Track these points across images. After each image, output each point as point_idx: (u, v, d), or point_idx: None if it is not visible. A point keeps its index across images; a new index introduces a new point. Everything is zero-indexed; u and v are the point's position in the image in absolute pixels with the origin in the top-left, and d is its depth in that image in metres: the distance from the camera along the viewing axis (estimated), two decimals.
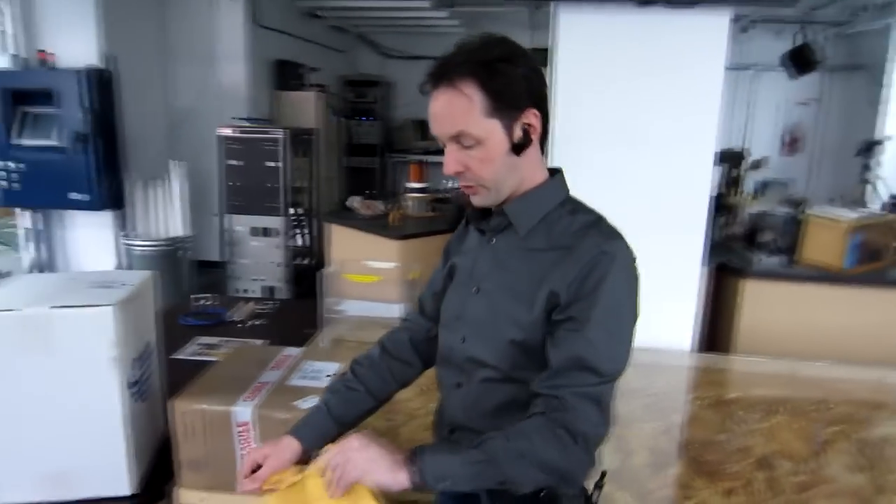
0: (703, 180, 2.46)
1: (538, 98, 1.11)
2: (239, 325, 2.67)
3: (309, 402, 1.45)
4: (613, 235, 1.10)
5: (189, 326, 2.64)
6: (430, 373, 1.34)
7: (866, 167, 4.08)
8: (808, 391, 2.32)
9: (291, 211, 5.68)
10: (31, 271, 5.37)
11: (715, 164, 3.62)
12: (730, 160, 3.55)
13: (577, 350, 1.02)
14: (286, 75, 6.87)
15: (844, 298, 2.93)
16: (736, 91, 8.74)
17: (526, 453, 0.98)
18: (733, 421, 2.06)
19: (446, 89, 1.07)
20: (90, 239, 5.54)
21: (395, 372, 1.36)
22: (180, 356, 2.29)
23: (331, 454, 1.03)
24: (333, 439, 1.21)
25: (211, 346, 2.36)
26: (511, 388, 1.13)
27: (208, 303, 2.92)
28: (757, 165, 8.15)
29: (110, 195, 5.08)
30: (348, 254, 3.81)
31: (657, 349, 2.29)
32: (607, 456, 1.75)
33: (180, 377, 1.62)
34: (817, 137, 8.70)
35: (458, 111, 1.06)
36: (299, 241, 5.82)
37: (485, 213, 1.20)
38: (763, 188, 4.32)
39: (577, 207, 1.16)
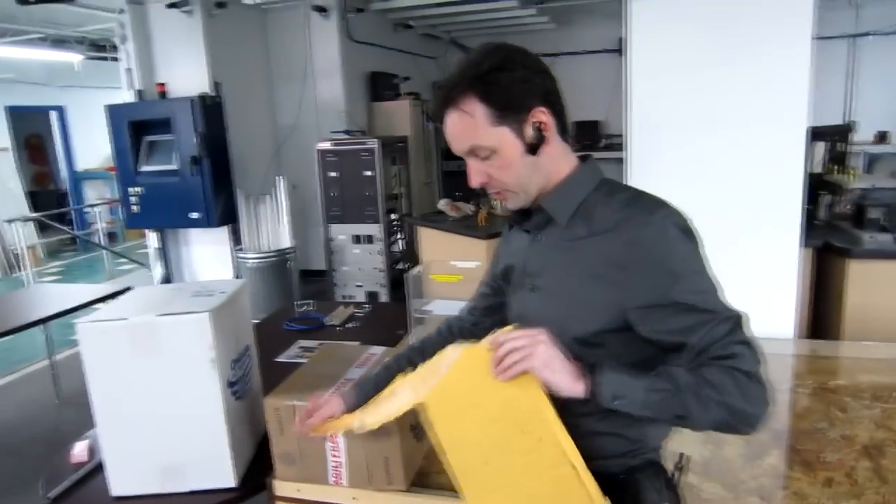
0: (796, 158, 2.34)
1: (545, 94, 1.12)
2: (337, 329, 2.80)
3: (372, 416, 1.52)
4: (655, 207, 1.09)
5: (292, 331, 2.81)
6: None
7: None
8: None
9: (393, 217, 5.87)
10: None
11: (812, 140, 3.45)
12: (834, 135, 3.33)
13: (700, 318, 1.02)
14: (380, 86, 7.09)
15: None
16: (854, 61, 8.16)
17: (711, 392, 0.98)
18: (837, 408, 1.94)
19: (451, 111, 1.11)
20: (209, 253, 5.97)
21: None
22: (282, 359, 2.45)
23: (516, 334, 1.05)
24: None
25: (309, 350, 2.50)
26: None
27: (309, 308, 3.08)
28: (883, 138, 7.56)
29: (224, 212, 5.46)
30: (438, 255, 3.90)
31: (758, 337, 2.20)
32: (697, 447, 1.73)
33: (280, 378, 1.74)
34: None
35: (465, 128, 1.10)
36: (398, 247, 5.99)
37: (526, 213, 1.23)
38: (872, 162, 3.99)
39: (613, 188, 1.16)
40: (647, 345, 1.08)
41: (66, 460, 1.84)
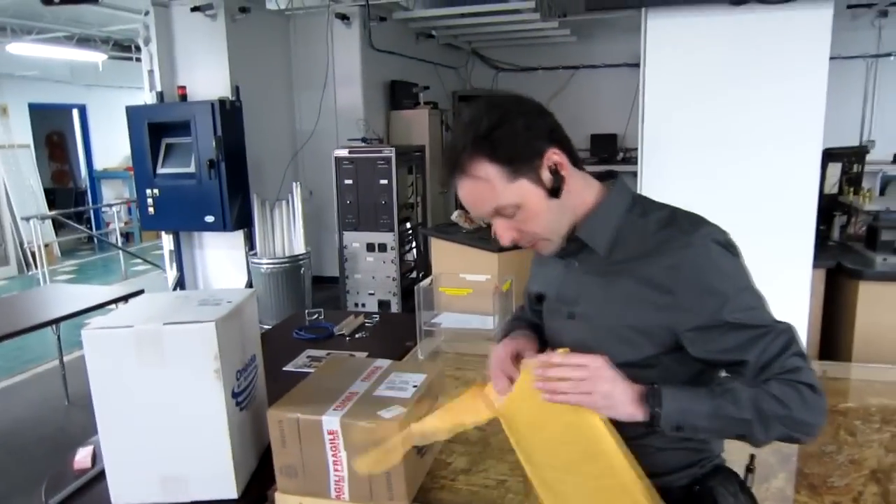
0: (810, 179, 2.31)
1: (550, 134, 1.10)
2: (346, 339, 2.78)
3: (392, 412, 1.49)
4: (693, 225, 1.08)
5: (301, 340, 2.79)
6: None
7: None
8: None
9: (408, 226, 5.86)
10: (174, 288, 5.87)
11: (827, 161, 3.40)
12: (850, 156, 3.29)
13: (753, 333, 1.02)
14: (399, 95, 7.10)
15: None
16: (875, 81, 8.09)
17: (778, 414, 0.99)
18: (846, 432, 1.90)
19: (463, 178, 1.09)
20: (223, 257, 6.00)
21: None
22: (290, 368, 2.43)
23: (572, 361, 1.03)
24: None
25: (317, 359, 2.47)
26: None
27: (320, 317, 3.06)
28: None
29: (239, 216, 5.48)
30: (449, 267, 3.87)
31: None
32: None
33: (286, 387, 1.71)
34: None
35: (483, 194, 1.09)
36: (412, 256, 5.97)
37: None
38: (888, 184, 3.93)
39: (647, 208, 1.14)
40: (699, 363, 1.07)
41: (69, 466, 1.83)
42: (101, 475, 1.68)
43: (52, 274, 7.94)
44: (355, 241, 5.55)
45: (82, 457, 1.83)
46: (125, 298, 4.01)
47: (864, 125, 8.21)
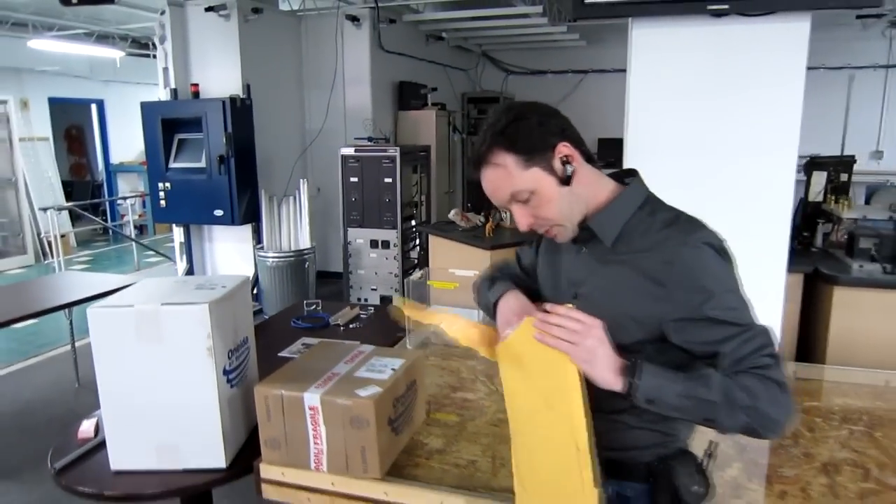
0: (786, 186, 2.40)
1: (562, 131, 1.22)
2: (341, 328, 2.91)
3: (368, 391, 1.62)
4: (693, 229, 1.19)
5: (298, 328, 2.93)
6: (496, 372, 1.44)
7: None
8: None
9: (413, 223, 5.99)
10: None
11: (812, 169, 3.49)
12: (836, 165, 3.38)
13: (732, 330, 1.11)
14: (407, 95, 7.24)
15: None
16: (888, 90, 8.11)
17: (745, 404, 1.06)
18: (805, 428, 2.00)
19: (485, 168, 1.22)
20: (231, 251, 6.15)
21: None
22: (284, 353, 2.56)
23: (574, 315, 1.14)
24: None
25: (310, 346, 2.61)
26: None
27: (317, 308, 3.20)
28: None
29: (247, 211, 5.63)
30: (446, 262, 4.00)
31: None
32: None
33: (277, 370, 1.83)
34: None
35: (501, 178, 1.21)
36: (416, 253, 6.09)
37: None
38: (872, 193, 4.01)
39: (656, 207, 1.25)
40: (681, 352, 1.17)
41: (74, 436, 1.97)
42: (103, 444, 1.82)
43: (67, 263, 8.16)
44: (359, 237, 5.69)
45: (86, 427, 1.97)
46: None
47: (878, 135, 8.21)
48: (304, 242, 5.57)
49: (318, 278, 5.83)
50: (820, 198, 3.34)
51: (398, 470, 1.72)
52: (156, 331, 1.67)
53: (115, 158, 11.03)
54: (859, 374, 2.35)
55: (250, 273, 5.93)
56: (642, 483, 1.24)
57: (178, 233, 6.22)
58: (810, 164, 3.43)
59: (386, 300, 5.59)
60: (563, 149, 1.20)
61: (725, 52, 2.38)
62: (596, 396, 1.16)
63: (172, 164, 5.65)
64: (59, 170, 9.83)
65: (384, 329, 2.84)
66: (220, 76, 5.76)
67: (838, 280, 2.83)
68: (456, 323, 1.45)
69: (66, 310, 4.15)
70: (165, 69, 5.87)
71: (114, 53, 8.67)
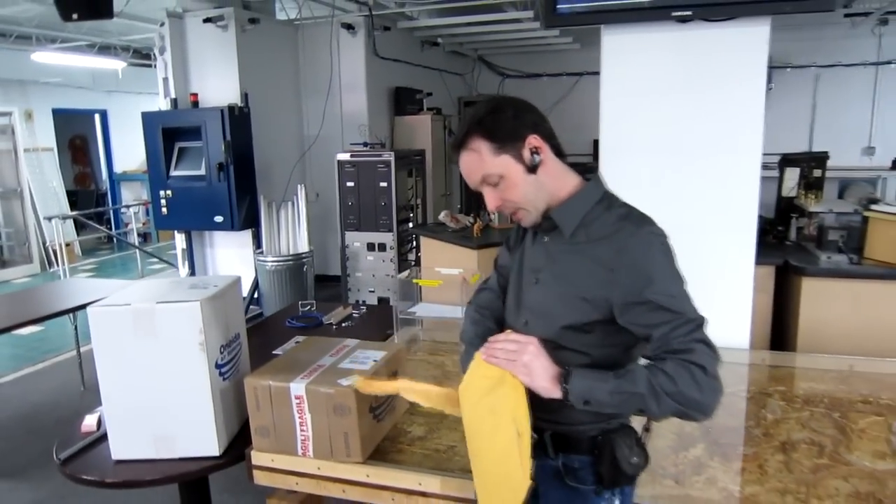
0: (751, 182, 2.50)
1: (534, 126, 1.34)
2: (333, 327, 3.03)
3: (350, 381, 1.73)
4: (643, 223, 1.31)
5: (293, 328, 3.04)
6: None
7: None
8: (861, 385, 2.28)
9: (410, 226, 6.10)
10: None
11: (786, 165, 3.59)
12: (808, 161, 3.48)
13: (667, 316, 1.21)
14: (403, 101, 7.35)
15: None
16: (878, 88, 8.19)
17: (668, 390, 1.15)
18: (768, 411, 2.10)
19: (461, 152, 1.35)
20: (232, 256, 6.27)
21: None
22: (278, 351, 2.67)
23: (511, 337, 1.29)
24: None
25: None
26: (563, 354, 1.32)
27: (311, 308, 3.31)
28: None
29: (247, 216, 5.75)
30: (436, 262, 4.12)
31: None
32: None
33: None
34: None
35: (474, 163, 1.33)
36: (413, 255, 6.20)
37: None
38: (845, 188, 4.10)
39: (612, 203, 1.37)
40: (626, 333, 1.29)
41: (78, 430, 2.09)
42: (105, 437, 1.94)
43: (72, 271, 8.30)
44: (356, 240, 5.81)
45: (89, 421, 2.09)
46: None
47: (870, 132, 8.29)
48: (303, 246, 5.69)
49: (317, 281, 5.95)
50: (793, 193, 3.45)
51: (381, 455, 1.83)
52: (152, 327, 1.79)
53: (118, 167, 11.19)
54: (826, 360, 2.46)
55: (250, 277, 6.05)
56: (587, 455, 1.36)
57: (180, 239, 6.35)
58: (784, 161, 3.54)
59: (384, 302, 5.70)
60: (533, 140, 1.32)
61: (691, 55, 2.49)
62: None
63: (173, 172, 5.77)
64: (64, 179, 9.99)
65: (376, 327, 2.96)
66: (219, 85, 5.89)
67: (807, 271, 2.95)
68: (415, 388, 1.57)
69: (71, 316, 4.28)
70: (165, 79, 6.00)
71: (116, 64, 8.83)
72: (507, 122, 1.32)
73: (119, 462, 1.88)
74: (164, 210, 5.85)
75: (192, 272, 6.27)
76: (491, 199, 1.36)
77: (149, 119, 5.76)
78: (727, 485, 1.68)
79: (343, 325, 3.05)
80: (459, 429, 2.03)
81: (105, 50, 8.51)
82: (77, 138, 11.41)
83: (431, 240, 4.55)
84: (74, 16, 3.79)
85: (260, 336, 2.88)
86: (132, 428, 1.87)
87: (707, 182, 2.54)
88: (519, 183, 1.32)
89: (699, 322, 1.22)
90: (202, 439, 1.87)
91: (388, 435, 1.93)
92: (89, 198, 10.93)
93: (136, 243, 9.48)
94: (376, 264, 5.77)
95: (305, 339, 2.14)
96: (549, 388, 1.24)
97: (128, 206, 10.42)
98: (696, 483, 1.69)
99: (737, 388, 2.28)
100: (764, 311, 2.98)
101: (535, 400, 1.28)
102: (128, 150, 10.94)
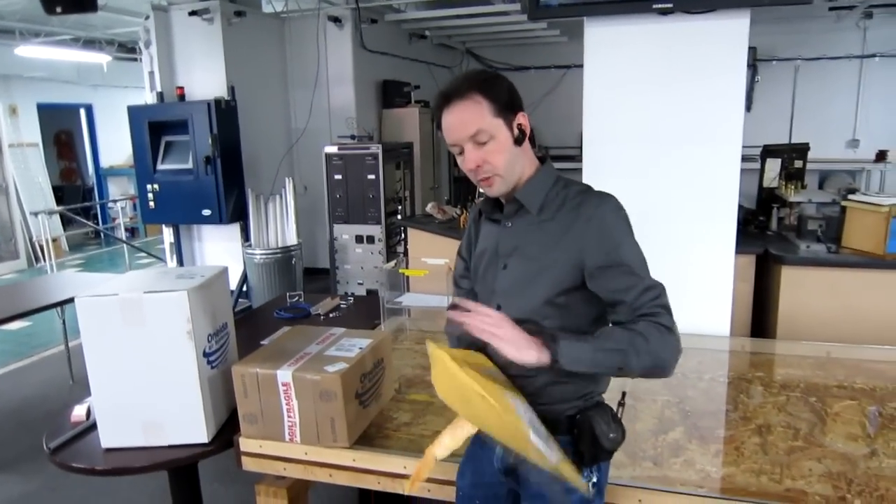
0: (731, 173, 2.55)
1: (521, 106, 1.41)
2: (321, 318, 3.06)
3: (336, 367, 1.76)
4: (604, 195, 1.40)
5: (281, 319, 3.07)
6: None
7: None
8: (837, 370, 2.34)
9: (399, 218, 6.11)
10: None
11: (767, 156, 3.64)
12: (789, 152, 3.54)
13: (633, 280, 1.30)
14: (391, 93, 7.36)
15: (887, 283, 2.92)
16: (862, 80, 8.27)
17: (642, 347, 1.24)
18: (746, 395, 2.16)
19: (459, 101, 1.36)
20: (220, 249, 6.28)
21: None
22: (266, 341, 2.69)
23: (484, 310, 1.30)
24: None
25: None
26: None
27: (300, 299, 3.34)
28: (882, 156, 7.68)
29: (235, 210, 5.75)
30: (423, 253, 4.12)
31: (696, 334, 2.42)
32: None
33: None
34: None
35: (474, 114, 1.36)
36: (402, 247, 6.23)
37: (495, 207, 1.51)
38: (825, 179, 4.17)
39: (568, 182, 1.46)
40: (598, 303, 1.36)
41: (67, 420, 2.11)
42: (94, 426, 1.96)
43: (59, 267, 8.27)
44: (345, 233, 5.83)
45: (79, 411, 2.11)
46: None
47: (854, 124, 8.38)
48: (291, 239, 5.69)
49: (305, 274, 5.96)
50: (775, 184, 3.51)
51: (368, 440, 1.87)
52: (139, 317, 1.81)
53: (104, 162, 11.13)
54: (805, 346, 2.52)
55: (239, 270, 6.05)
56: (566, 435, 1.40)
57: (167, 233, 6.34)
58: (765, 152, 3.60)
59: (371, 293, 5.73)
60: (522, 118, 1.39)
61: (672, 47, 2.53)
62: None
63: (160, 166, 5.76)
64: (50, 175, 9.92)
65: (364, 318, 2.98)
66: (205, 79, 5.88)
67: (786, 260, 3.02)
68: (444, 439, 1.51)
69: (59, 310, 4.28)
70: (151, 73, 5.98)
71: (101, 58, 8.77)
72: (506, 92, 1.38)
73: (109, 450, 1.90)
74: (152, 204, 5.84)
75: (181, 265, 6.26)
76: (472, 158, 1.37)
77: (135, 113, 5.74)
78: (704, 466, 1.72)
79: (331, 315, 3.08)
80: (446, 415, 2.07)
81: (90, 44, 8.45)
82: (62, 133, 11.33)
83: (419, 231, 4.58)
84: (58, 9, 3.77)
85: (248, 327, 2.91)
86: (121, 416, 1.89)
87: (688, 172, 2.59)
88: (505, 149, 1.37)
89: (662, 289, 1.32)
90: (191, 426, 1.90)
91: (374, 421, 1.97)
92: (76, 193, 10.87)
93: (124, 238, 9.45)
94: (364, 256, 5.80)
95: (292, 329, 2.17)
96: (536, 356, 1.25)
97: (115, 201, 10.39)
98: (675, 465, 1.73)
99: (716, 374, 2.33)
100: (744, 300, 3.03)
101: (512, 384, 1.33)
102: (114, 145, 10.87)
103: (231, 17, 5.88)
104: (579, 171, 2.64)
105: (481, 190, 1.50)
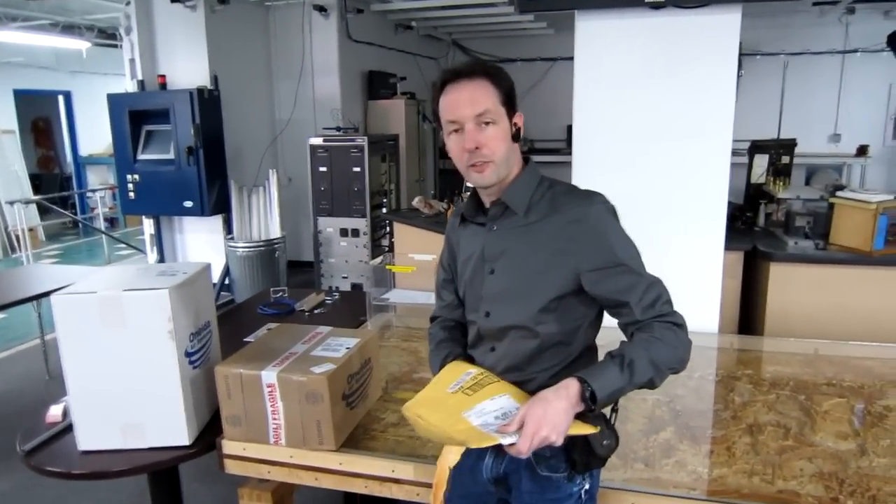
0: (721, 168, 2.55)
1: (517, 107, 1.40)
2: (306, 314, 3.00)
3: (323, 368, 1.72)
4: (591, 194, 1.39)
5: (265, 315, 3.01)
6: None
7: None
8: (825, 368, 2.34)
9: (384, 211, 6.06)
10: None
11: (755, 152, 3.63)
12: (778, 148, 3.54)
13: (634, 279, 1.30)
14: (377, 85, 7.28)
15: (874, 280, 2.94)
16: (843, 76, 8.33)
17: (661, 347, 1.26)
18: (736, 394, 2.15)
19: (470, 80, 1.36)
20: (202, 241, 6.19)
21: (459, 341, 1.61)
22: (249, 338, 2.63)
23: (530, 426, 1.20)
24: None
25: None
26: (537, 340, 1.38)
27: (283, 295, 3.28)
28: (863, 151, 7.75)
29: (217, 202, 5.67)
30: (410, 248, 4.09)
31: None
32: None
33: None
34: None
35: (484, 94, 1.35)
36: (387, 241, 6.18)
37: (478, 210, 1.49)
38: (812, 174, 4.19)
39: (552, 183, 1.44)
40: (593, 304, 1.36)
41: (42, 421, 2.04)
42: (70, 427, 1.89)
43: (36, 257, 8.11)
44: (329, 226, 5.77)
45: (54, 412, 2.04)
46: None
47: (836, 118, 8.43)
48: (275, 232, 5.62)
49: (289, 267, 5.89)
50: (762, 179, 3.51)
51: (354, 442, 1.82)
52: (119, 316, 1.75)
53: (83, 150, 10.93)
54: (793, 343, 2.52)
55: (221, 263, 5.97)
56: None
57: (148, 225, 6.23)
58: (753, 147, 3.59)
59: (357, 288, 5.68)
60: (519, 119, 1.39)
61: (664, 41, 2.51)
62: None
63: (141, 156, 5.66)
64: (27, 162, 9.73)
65: (349, 314, 2.94)
66: (188, 67, 5.77)
67: (774, 256, 3.03)
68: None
69: (35, 303, 4.18)
70: (132, 60, 5.87)
71: (80, 44, 8.57)
72: (511, 89, 1.38)
73: (86, 453, 1.84)
74: (132, 195, 5.74)
75: (161, 258, 6.17)
76: (473, 138, 1.35)
77: (115, 101, 5.63)
78: (696, 467, 1.70)
79: (316, 311, 3.03)
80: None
81: (69, 29, 8.24)
82: (40, 120, 11.11)
83: (405, 225, 4.54)
84: None
85: (231, 323, 2.85)
86: (99, 418, 1.83)
87: (678, 167, 2.57)
88: (504, 139, 1.36)
89: (662, 283, 1.32)
90: (172, 429, 1.84)
91: (361, 422, 1.93)
92: (53, 181, 10.68)
93: (103, 228, 9.29)
94: (349, 250, 5.74)
95: (278, 327, 2.12)
96: (574, 409, 1.24)
97: (94, 191, 10.20)
98: (666, 466, 1.71)
99: (705, 372, 2.32)
100: (732, 296, 3.04)
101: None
102: (93, 133, 10.67)
103: (214, 5, 5.78)
104: (564, 164, 2.62)
105: (468, 184, 1.48)
